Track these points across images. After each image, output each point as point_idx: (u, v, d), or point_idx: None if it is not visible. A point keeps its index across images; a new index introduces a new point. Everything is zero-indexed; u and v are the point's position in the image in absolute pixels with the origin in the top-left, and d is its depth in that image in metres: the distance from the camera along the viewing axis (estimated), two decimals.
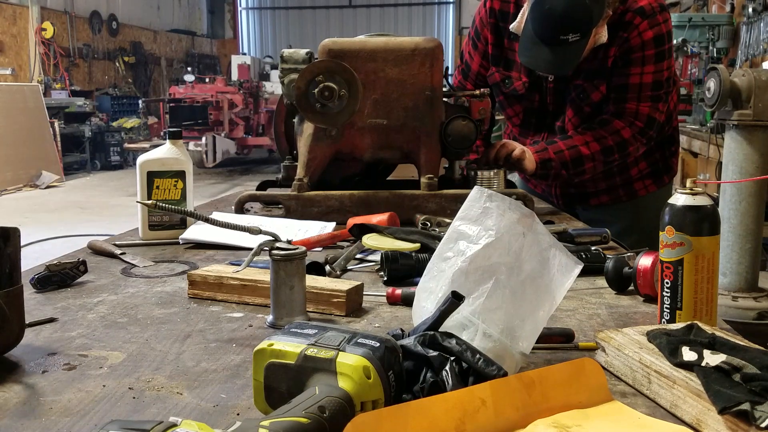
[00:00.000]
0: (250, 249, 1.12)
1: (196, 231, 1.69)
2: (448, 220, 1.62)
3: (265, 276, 1.21)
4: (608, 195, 2.30)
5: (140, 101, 13.99)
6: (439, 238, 1.05)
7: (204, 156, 11.01)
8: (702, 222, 1.03)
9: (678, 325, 0.98)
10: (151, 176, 1.73)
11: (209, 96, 11.81)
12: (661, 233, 1.06)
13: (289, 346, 0.79)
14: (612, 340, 0.95)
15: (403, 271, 1.36)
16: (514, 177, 2.52)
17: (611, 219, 2.18)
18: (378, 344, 0.78)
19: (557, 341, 1.04)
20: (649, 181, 2.29)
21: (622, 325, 1.11)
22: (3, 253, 0.99)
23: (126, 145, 12.22)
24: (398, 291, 1.23)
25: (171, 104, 11.71)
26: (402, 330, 0.90)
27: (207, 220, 1.12)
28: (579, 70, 2.08)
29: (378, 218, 1.69)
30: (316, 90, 1.78)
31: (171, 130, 1.81)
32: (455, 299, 0.85)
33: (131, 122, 13.16)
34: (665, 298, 1.06)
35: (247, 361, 0.97)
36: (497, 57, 2.23)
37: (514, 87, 2.21)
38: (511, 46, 2.17)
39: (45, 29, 12.58)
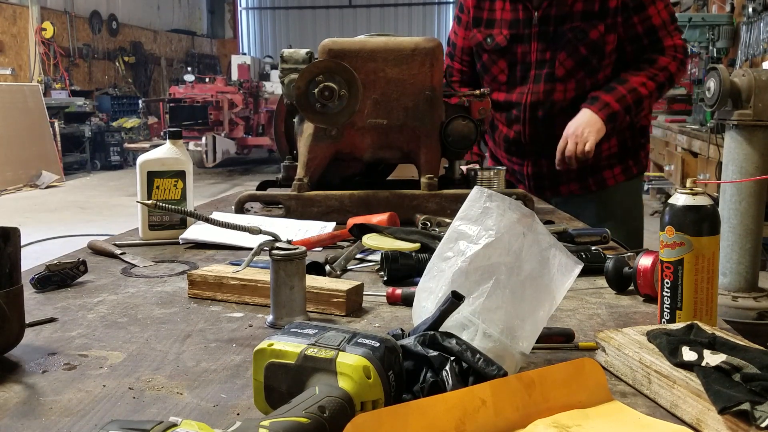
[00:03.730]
0: (250, 249, 1.12)
1: (196, 231, 1.69)
2: (448, 220, 1.62)
3: (265, 276, 1.21)
4: (578, 182, 2.32)
5: (140, 101, 13.99)
6: (439, 238, 1.05)
7: (204, 156, 11.00)
8: (702, 222, 1.03)
9: (678, 325, 0.98)
10: (151, 176, 1.73)
11: (209, 96, 11.81)
12: (661, 233, 1.06)
13: (289, 346, 0.79)
14: (612, 340, 0.95)
15: (403, 271, 1.36)
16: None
17: (580, 211, 2.22)
18: (378, 344, 0.78)
19: (557, 341, 1.04)
20: (617, 170, 2.33)
21: (622, 325, 1.11)
22: (3, 253, 0.99)
23: (126, 145, 12.21)
24: (398, 291, 1.23)
25: (171, 104, 11.71)
26: (402, 330, 0.90)
27: (207, 220, 1.12)
28: (572, 14, 2.15)
29: (378, 218, 1.69)
30: (316, 90, 1.78)
31: (171, 130, 1.81)
32: (455, 299, 0.85)
33: (131, 122, 13.16)
34: (665, 298, 1.06)
35: (247, 361, 0.97)
36: (478, 19, 2.29)
37: (497, 42, 2.26)
38: (492, 6, 2.25)
39: (45, 29, 12.58)
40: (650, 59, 2.16)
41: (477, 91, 2.01)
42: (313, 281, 1.20)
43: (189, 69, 14.79)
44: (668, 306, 1.06)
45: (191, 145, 10.72)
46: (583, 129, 2.10)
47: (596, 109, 2.10)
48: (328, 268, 1.40)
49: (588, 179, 2.32)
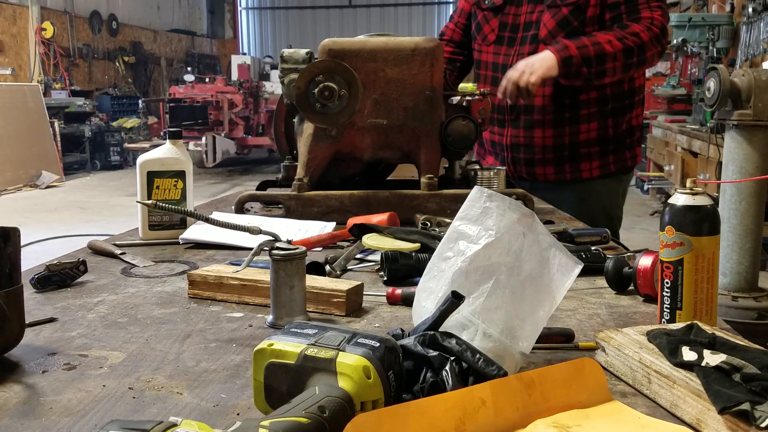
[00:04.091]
0: (250, 249, 1.12)
1: (196, 231, 1.69)
2: (448, 220, 1.62)
3: (265, 276, 1.21)
4: (554, 166, 2.32)
5: (140, 101, 13.98)
6: (439, 238, 1.05)
7: (204, 156, 11.00)
8: (702, 222, 1.03)
9: (678, 325, 0.98)
10: (151, 176, 1.73)
11: (209, 96, 11.80)
12: (660, 233, 1.06)
13: (289, 346, 0.79)
14: (612, 339, 0.95)
15: (403, 271, 1.36)
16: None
17: (554, 203, 2.23)
18: (378, 344, 0.78)
19: (557, 341, 1.04)
20: (596, 163, 2.31)
21: (622, 325, 1.11)
22: (3, 253, 0.99)
23: (126, 145, 12.21)
24: (398, 291, 1.23)
25: (171, 104, 11.70)
26: (402, 330, 0.90)
27: (207, 220, 1.12)
28: None
29: (378, 218, 1.69)
30: (316, 90, 1.78)
31: (171, 130, 1.81)
32: (455, 299, 0.85)
33: (131, 122, 13.15)
34: (665, 298, 1.06)
35: (247, 361, 0.97)
36: None
37: (493, 1, 2.34)
38: None
39: (45, 29, 12.57)
40: (623, 25, 2.17)
41: (477, 92, 2.01)
42: (313, 281, 1.20)
43: (189, 69, 14.79)
44: (668, 306, 1.06)
45: (191, 145, 10.72)
46: (534, 63, 2.11)
47: (554, 50, 2.11)
48: (328, 268, 1.40)
49: (565, 165, 2.32)
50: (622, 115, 2.32)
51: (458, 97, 2.04)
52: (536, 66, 2.09)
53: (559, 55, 2.09)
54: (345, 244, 1.66)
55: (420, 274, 1.01)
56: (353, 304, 1.20)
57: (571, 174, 2.33)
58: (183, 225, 1.75)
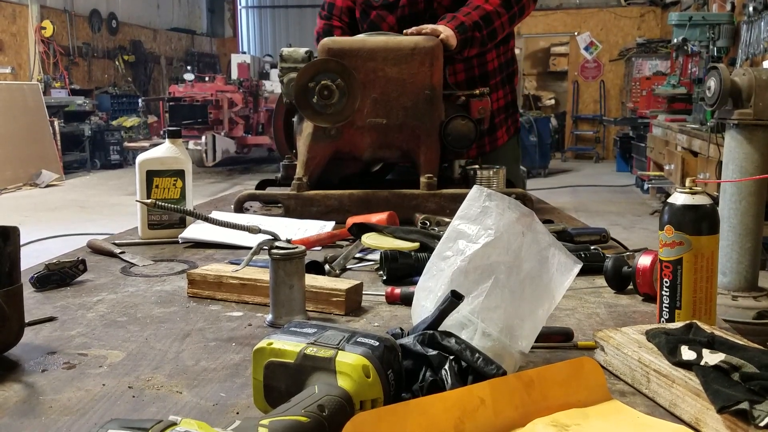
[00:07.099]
0: (250, 248, 1.12)
1: (196, 230, 1.69)
2: (447, 220, 1.62)
3: (264, 275, 1.21)
4: (476, 142, 2.32)
5: (140, 100, 13.97)
6: (439, 238, 1.05)
7: (203, 155, 10.99)
8: (701, 221, 1.03)
9: (677, 325, 0.98)
10: (151, 175, 1.73)
11: (209, 95, 11.79)
12: (660, 232, 1.06)
13: (289, 345, 0.79)
14: (611, 339, 0.95)
15: (402, 271, 1.36)
16: None
17: None
18: (377, 343, 0.78)
19: (556, 340, 1.04)
20: (503, 129, 2.45)
21: (621, 324, 1.11)
22: (3, 251, 0.99)
23: (126, 144, 12.20)
24: (397, 290, 1.23)
25: (171, 103, 11.69)
26: (401, 329, 0.90)
27: (206, 219, 1.12)
28: None
29: (377, 217, 1.70)
30: (316, 89, 1.78)
31: (170, 129, 1.81)
32: (454, 298, 0.85)
33: (131, 121, 13.15)
34: (664, 297, 1.06)
35: (247, 360, 0.97)
36: None
37: None
38: None
39: (44, 28, 12.56)
40: None
41: (477, 91, 2.01)
42: (312, 280, 1.20)
43: (189, 68, 14.75)
44: (667, 305, 1.06)
45: (191, 144, 10.70)
46: (444, 27, 2.06)
47: (444, 22, 2.06)
48: (327, 267, 1.40)
49: (484, 138, 2.35)
50: (511, 82, 2.44)
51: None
52: (441, 27, 2.03)
53: (451, 24, 2.04)
54: (344, 243, 1.66)
55: (419, 274, 1.01)
56: (352, 303, 1.20)
57: (490, 145, 2.40)
58: (182, 224, 1.75)
